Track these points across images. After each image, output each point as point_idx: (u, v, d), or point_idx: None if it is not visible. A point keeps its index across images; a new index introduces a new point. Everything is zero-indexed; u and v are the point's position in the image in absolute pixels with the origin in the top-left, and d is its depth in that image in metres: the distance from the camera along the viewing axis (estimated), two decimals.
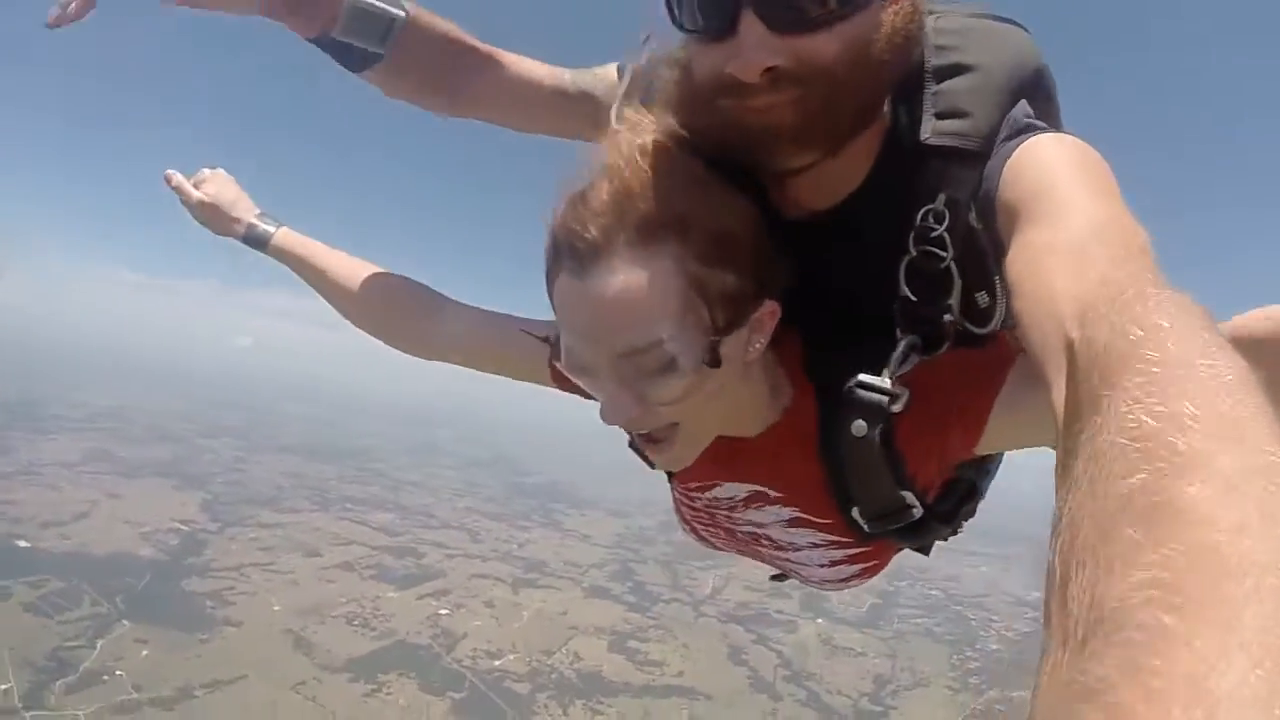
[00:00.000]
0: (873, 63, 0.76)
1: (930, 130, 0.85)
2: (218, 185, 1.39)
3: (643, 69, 1.01)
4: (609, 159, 0.80)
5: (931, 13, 0.89)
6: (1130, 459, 0.34)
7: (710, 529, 1.19)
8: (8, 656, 33.59)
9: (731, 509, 1.10)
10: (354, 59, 1.18)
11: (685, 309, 0.76)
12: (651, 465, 1.06)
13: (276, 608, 44.98)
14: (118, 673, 34.93)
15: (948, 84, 0.86)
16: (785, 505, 1.03)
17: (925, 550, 1.09)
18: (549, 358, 0.95)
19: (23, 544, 45.32)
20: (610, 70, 1.19)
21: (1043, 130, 0.80)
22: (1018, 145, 0.79)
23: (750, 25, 0.73)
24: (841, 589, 1.21)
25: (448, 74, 1.23)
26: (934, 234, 0.82)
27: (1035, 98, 0.86)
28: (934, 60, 0.86)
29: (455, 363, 1.23)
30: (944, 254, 0.82)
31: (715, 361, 0.78)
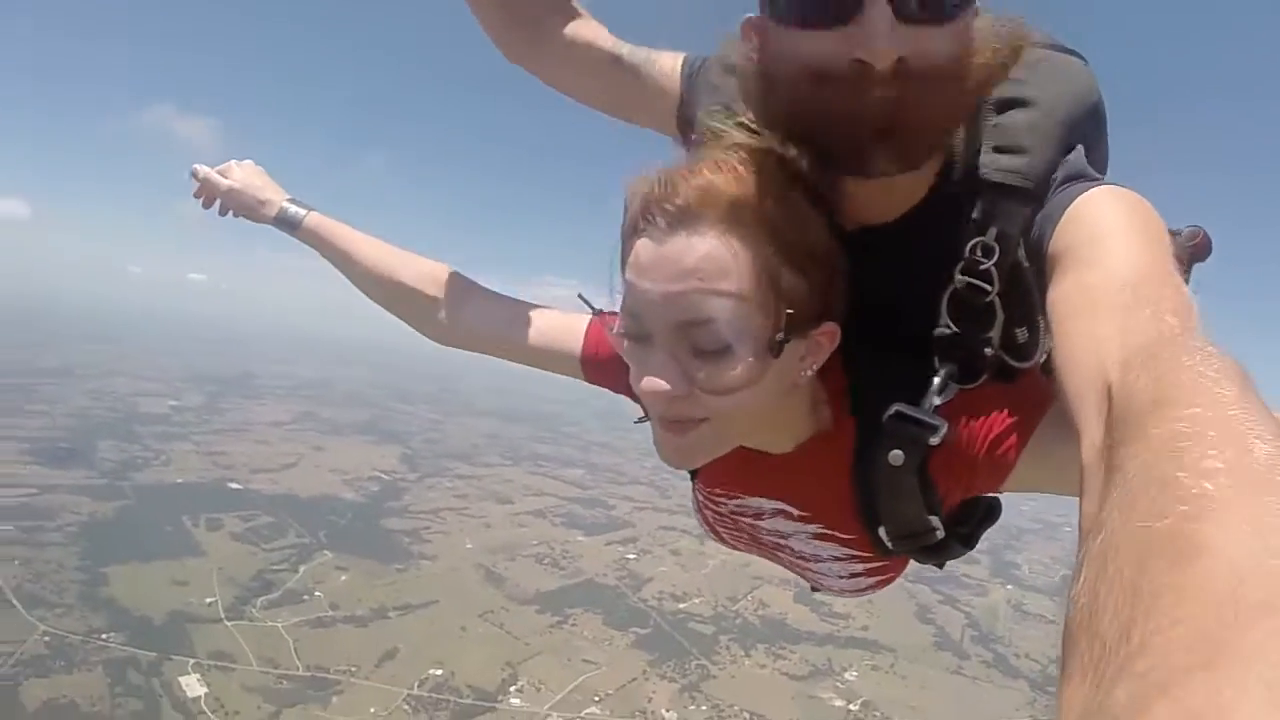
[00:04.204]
0: (974, 74, 0.77)
1: (989, 164, 0.84)
2: (245, 173, 1.45)
3: (698, 66, 1.08)
4: (707, 151, 0.82)
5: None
6: (1160, 501, 0.36)
7: (734, 533, 1.21)
8: (215, 575, 39.10)
9: (757, 517, 1.11)
10: None
11: (756, 296, 0.75)
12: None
13: (469, 545, 47.99)
14: (316, 593, 39.25)
15: (1008, 117, 0.85)
16: (810, 523, 1.05)
17: (940, 565, 1.10)
18: (590, 326, 1.12)
19: (235, 485, 53.35)
20: (664, 57, 1.16)
21: (1099, 182, 0.81)
22: (1075, 196, 0.79)
23: (879, 10, 0.70)
24: (857, 598, 1.25)
25: (538, 7, 1.22)
26: (981, 268, 0.83)
27: (1091, 132, 0.87)
28: (995, 92, 0.85)
29: (483, 351, 1.25)
30: (989, 288, 0.83)
31: (773, 357, 0.77)
